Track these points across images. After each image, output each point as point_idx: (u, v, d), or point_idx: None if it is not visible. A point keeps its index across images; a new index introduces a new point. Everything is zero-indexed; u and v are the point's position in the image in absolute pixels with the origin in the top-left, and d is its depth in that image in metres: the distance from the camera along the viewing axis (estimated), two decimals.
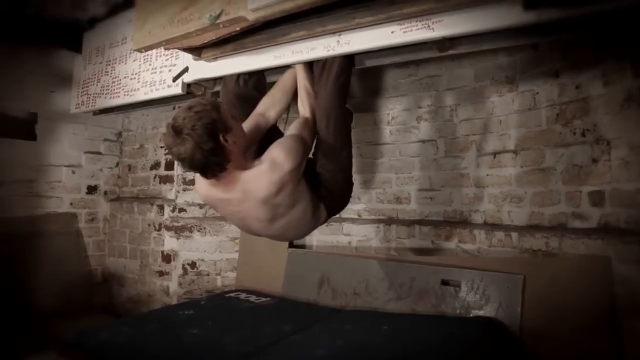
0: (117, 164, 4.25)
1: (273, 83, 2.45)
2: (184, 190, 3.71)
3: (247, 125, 2.00)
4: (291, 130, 1.95)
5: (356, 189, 3.45)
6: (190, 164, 1.65)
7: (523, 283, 2.34)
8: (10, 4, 3.01)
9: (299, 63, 2.22)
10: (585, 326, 2.13)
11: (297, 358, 1.99)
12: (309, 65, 2.23)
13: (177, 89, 2.69)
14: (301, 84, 2.18)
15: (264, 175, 1.73)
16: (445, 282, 2.58)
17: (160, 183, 3.88)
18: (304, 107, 2.12)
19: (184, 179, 3.72)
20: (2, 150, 3.40)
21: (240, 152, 1.74)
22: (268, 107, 2.17)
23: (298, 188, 1.85)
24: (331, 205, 2.10)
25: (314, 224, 2.08)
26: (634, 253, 2.02)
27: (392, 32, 1.90)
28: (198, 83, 2.68)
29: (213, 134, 1.61)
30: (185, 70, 2.63)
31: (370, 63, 2.20)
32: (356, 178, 3.47)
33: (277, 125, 2.28)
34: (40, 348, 2.56)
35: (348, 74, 2.14)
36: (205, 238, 3.59)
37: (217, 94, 2.77)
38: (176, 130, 1.60)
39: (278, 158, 1.74)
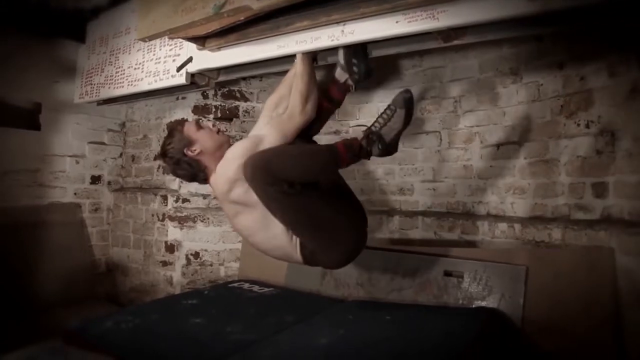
0: (121, 154, 4.25)
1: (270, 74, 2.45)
2: None
3: (256, 129, 2.12)
4: (254, 128, 2.08)
5: (360, 180, 3.47)
6: (181, 177, 2.13)
7: (525, 274, 2.34)
8: None
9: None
10: (587, 317, 2.13)
11: (300, 347, 2.00)
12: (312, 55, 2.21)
13: (181, 79, 2.69)
14: (296, 70, 2.12)
15: (218, 175, 1.96)
16: (447, 273, 2.58)
17: (163, 173, 3.87)
18: (290, 97, 2.08)
19: None
20: (7, 140, 3.40)
21: (213, 156, 2.00)
22: (274, 106, 2.16)
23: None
24: (308, 253, 2.02)
25: (283, 243, 2.00)
26: (637, 244, 2.03)
27: (396, 22, 1.89)
28: (202, 73, 2.68)
29: (179, 151, 1.99)
30: (189, 60, 2.63)
31: (375, 53, 2.19)
32: (359, 170, 3.49)
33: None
34: (44, 337, 2.57)
35: None
36: (208, 228, 3.59)
37: (220, 84, 2.77)
38: (162, 156, 2.08)
39: (226, 157, 1.92)
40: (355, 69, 2.12)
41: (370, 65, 2.14)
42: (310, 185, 1.86)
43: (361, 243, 2.11)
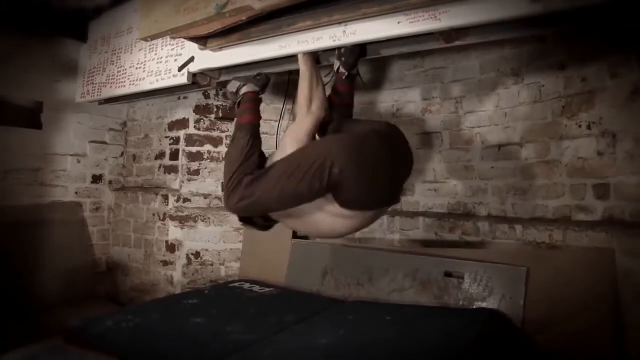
0: (122, 153, 4.25)
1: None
2: (189, 180, 3.72)
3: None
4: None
5: None
6: None
7: (526, 275, 2.34)
8: None
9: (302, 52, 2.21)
10: (587, 318, 2.13)
11: (300, 347, 1.99)
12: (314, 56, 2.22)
13: (182, 79, 2.69)
14: (300, 72, 2.15)
15: None
16: (448, 274, 2.58)
17: (165, 173, 3.88)
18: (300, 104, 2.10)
19: (189, 169, 3.72)
20: (9, 139, 3.41)
21: None
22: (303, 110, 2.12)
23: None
24: (339, 200, 1.84)
25: (325, 216, 1.91)
26: (638, 246, 2.03)
27: (398, 23, 1.89)
28: (204, 73, 2.68)
29: None
30: (191, 60, 2.63)
31: (375, 55, 2.19)
32: None
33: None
34: (44, 336, 2.57)
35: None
36: (209, 228, 3.60)
37: (222, 84, 2.77)
38: None
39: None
40: (342, 50, 2.17)
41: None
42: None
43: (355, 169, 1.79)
